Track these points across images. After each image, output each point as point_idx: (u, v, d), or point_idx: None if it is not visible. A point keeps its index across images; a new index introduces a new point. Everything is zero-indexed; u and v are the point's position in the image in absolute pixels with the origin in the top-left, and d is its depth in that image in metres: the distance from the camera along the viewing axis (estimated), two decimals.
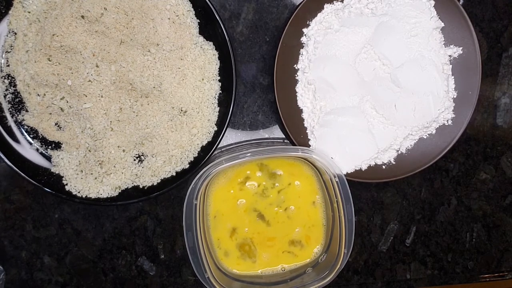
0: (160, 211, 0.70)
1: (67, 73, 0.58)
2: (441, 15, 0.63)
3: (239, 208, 0.65)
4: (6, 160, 0.60)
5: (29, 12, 0.59)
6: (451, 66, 0.65)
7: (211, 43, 0.62)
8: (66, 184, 0.62)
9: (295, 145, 0.65)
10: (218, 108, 0.64)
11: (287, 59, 0.64)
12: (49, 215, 0.68)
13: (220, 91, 0.64)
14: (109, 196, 0.62)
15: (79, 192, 0.62)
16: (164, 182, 0.63)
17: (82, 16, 0.57)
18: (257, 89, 0.69)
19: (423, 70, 0.63)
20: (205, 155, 0.63)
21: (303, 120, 0.65)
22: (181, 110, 0.62)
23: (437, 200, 0.74)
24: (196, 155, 0.64)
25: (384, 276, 0.75)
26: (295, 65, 0.65)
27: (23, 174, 0.60)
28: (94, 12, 0.57)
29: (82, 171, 0.62)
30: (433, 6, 0.63)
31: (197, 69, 0.62)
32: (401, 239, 0.74)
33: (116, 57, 0.59)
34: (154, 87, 0.60)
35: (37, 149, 0.63)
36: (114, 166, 0.62)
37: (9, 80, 0.61)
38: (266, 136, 0.70)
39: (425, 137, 0.67)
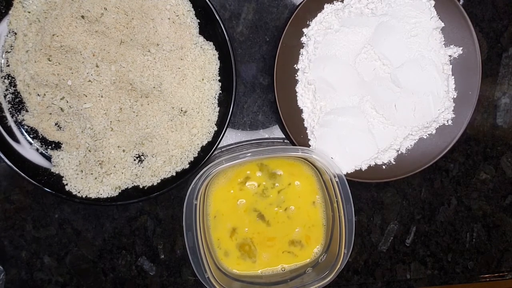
0: (160, 211, 0.70)
1: (67, 73, 0.58)
2: (441, 15, 0.63)
3: (239, 208, 0.65)
4: (6, 160, 0.60)
5: (29, 12, 0.59)
6: (451, 66, 0.65)
7: (211, 43, 0.62)
8: (66, 184, 0.62)
9: (295, 145, 0.65)
10: (218, 108, 0.64)
11: (287, 59, 0.64)
12: (49, 215, 0.68)
13: (220, 91, 0.64)
14: (109, 196, 0.62)
15: (79, 192, 0.62)
16: (164, 182, 0.63)
17: (82, 16, 0.57)
18: (257, 89, 0.69)
19: (423, 70, 0.63)
20: (205, 155, 0.63)
21: (303, 120, 0.65)
22: (181, 110, 0.62)
23: (437, 200, 0.74)
24: (196, 155, 0.64)
25: (384, 276, 0.75)
26: (295, 65, 0.65)
27: (23, 174, 0.60)
28: (94, 12, 0.57)
29: (82, 171, 0.62)
30: (433, 6, 0.63)
31: (197, 69, 0.62)
32: (401, 239, 0.74)
33: (116, 57, 0.59)
34: (154, 87, 0.60)
35: (37, 149, 0.63)
36: (114, 166, 0.62)
37: (9, 80, 0.61)
38: (266, 136, 0.70)
39: (425, 137, 0.67)
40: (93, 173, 0.61)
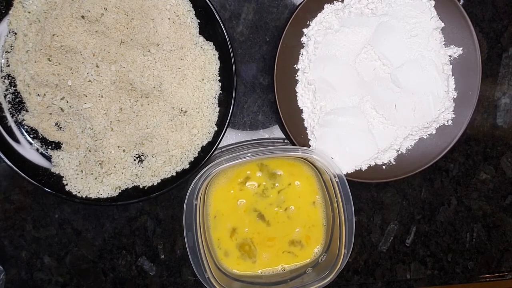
0: (160, 211, 0.70)
1: (67, 73, 0.58)
2: (441, 15, 0.63)
3: (239, 208, 0.65)
4: (6, 160, 0.60)
5: (29, 12, 0.59)
6: (451, 66, 0.65)
7: (211, 43, 0.62)
8: (66, 184, 0.62)
9: (295, 145, 0.65)
10: (218, 108, 0.64)
11: (287, 59, 0.64)
12: (49, 215, 0.68)
13: (220, 91, 0.64)
14: (109, 196, 0.62)
15: (79, 192, 0.62)
16: (164, 182, 0.63)
17: (82, 16, 0.57)
18: (257, 89, 0.69)
19: (423, 70, 0.63)
20: (205, 155, 0.63)
21: (303, 120, 0.65)
22: (181, 110, 0.62)
23: (437, 200, 0.74)
24: (196, 155, 0.64)
25: (384, 276, 0.75)
26: (295, 65, 0.65)
27: (23, 174, 0.60)
28: (94, 12, 0.57)
29: (82, 171, 0.62)
30: (433, 6, 0.63)
31: (197, 69, 0.62)
32: (401, 239, 0.74)
33: (116, 57, 0.59)
34: (154, 87, 0.60)
35: (37, 149, 0.63)
36: (114, 166, 0.62)
37: (9, 80, 0.61)
38: (266, 136, 0.70)
39: (425, 137, 0.67)
40: (93, 173, 0.61)
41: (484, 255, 0.76)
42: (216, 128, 0.64)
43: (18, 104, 0.62)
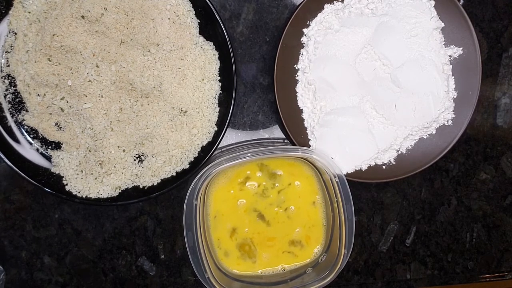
0: (160, 211, 0.70)
1: (67, 73, 0.58)
2: (441, 15, 0.63)
3: (239, 208, 0.65)
4: (6, 160, 0.60)
5: (29, 12, 0.59)
6: (451, 66, 0.65)
7: (211, 43, 0.62)
8: (66, 184, 0.62)
9: (295, 145, 0.65)
10: (218, 108, 0.64)
11: (287, 59, 0.64)
12: (49, 215, 0.68)
13: (220, 91, 0.64)
14: (109, 196, 0.62)
15: (79, 192, 0.62)
16: (164, 182, 0.63)
17: (82, 16, 0.57)
18: (257, 89, 0.69)
19: (423, 70, 0.63)
20: (205, 155, 0.63)
21: (303, 120, 0.65)
22: (181, 110, 0.62)
23: (437, 200, 0.74)
24: (196, 155, 0.64)
25: (384, 276, 0.75)
26: (295, 65, 0.65)
27: (23, 174, 0.60)
28: (94, 12, 0.57)
29: (82, 171, 0.62)
30: (433, 6, 0.63)
31: (197, 69, 0.62)
32: (401, 239, 0.74)
33: (116, 57, 0.59)
34: (154, 87, 0.60)
35: (37, 149, 0.63)
36: (114, 166, 0.62)
37: (9, 80, 0.61)
38: (266, 136, 0.70)
39: (425, 137, 0.67)
40: (93, 173, 0.61)
41: (484, 255, 0.76)
42: (216, 128, 0.64)
43: (18, 104, 0.62)
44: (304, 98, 0.65)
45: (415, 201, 0.74)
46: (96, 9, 0.57)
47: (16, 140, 0.62)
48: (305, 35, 0.64)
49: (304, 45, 0.64)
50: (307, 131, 0.65)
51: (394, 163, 0.66)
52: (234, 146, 0.69)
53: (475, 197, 0.75)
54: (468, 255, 0.76)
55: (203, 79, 0.63)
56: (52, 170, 0.62)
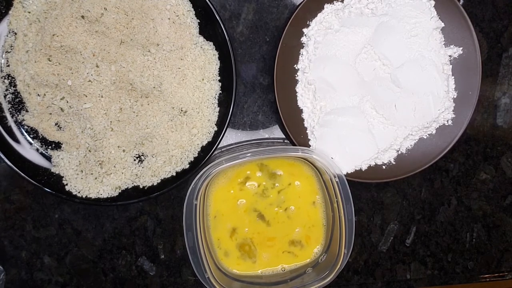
0: (160, 211, 0.70)
1: (67, 73, 0.58)
2: (441, 15, 0.63)
3: (239, 208, 0.65)
4: (6, 160, 0.60)
5: (29, 12, 0.59)
6: (451, 66, 0.65)
7: (211, 43, 0.62)
8: (66, 184, 0.62)
9: (295, 145, 0.65)
10: (218, 108, 0.64)
11: (287, 59, 0.64)
12: (49, 215, 0.68)
13: (220, 91, 0.64)
14: (109, 196, 0.62)
15: (79, 192, 0.62)
16: (164, 182, 0.63)
17: (82, 16, 0.57)
18: (257, 89, 0.69)
19: (423, 70, 0.63)
20: (205, 155, 0.63)
21: (303, 120, 0.65)
22: (181, 110, 0.62)
23: (437, 200, 0.74)
24: (196, 155, 0.64)
25: (384, 276, 0.75)
26: (295, 65, 0.65)
27: (23, 174, 0.60)
28: (94, 12, 0.57)
29: (82, 171, 0.62)
30: (433, 6, 0.63)
31: (197, 69, 0.62)
32: (401, 239, 0.74)
33: (116, 57, 0.59)
34: (154, 87, 0.60)
35: (37, 149, 0.63)
36: (114, 166, 0.62)
37: (9, 80, 0.61)
38: (266, 136, 0.70)
39: (425, 137, 0.67)
40: (93, 173, 0.61)
41: (484, 255, 0.76)
42: (216, 128, 0.64)
43: (18, 104, 0.62)
44: (304, 98, 0.65)
45: (415, 201, 0.74)
46: (96, 9, 0.57)
47: (16, 140, 0.62)
48: (305, 35, 0.64)
49: (304, 45, 0.64)
50: (307, 131, 0.65)
51: (394, 163, 0.66)
52: (234, 146, 0.69)
53: (475, 197, 0.75)
54: (468, 255, 0.76)
55: (203, 79, 0.63)
56: (52, 170, 0.62)
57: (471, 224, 0.76)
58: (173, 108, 0.62)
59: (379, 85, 0.63)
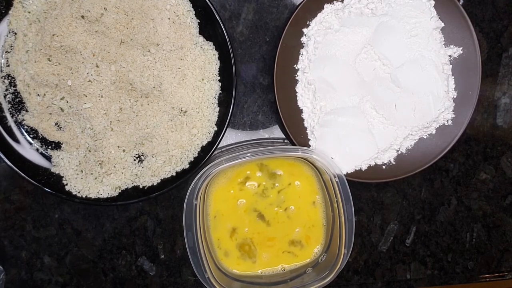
0: (160, 211, 0.70)
1: (67, 73, 0.58)
2: (441, 15, 0.63)
3: (239, 208, 0.65)
4: (6, 160, 0.60)
5: (29, 12, 0.59)
6: (451, 66, 0.65)
7: (211, 43, 0.62)
8: (66, 184, 0.62)
9: (295, 145, 0.65)
10: (218, 108, 0.64)
11: (287, 59, 0.64)
12: (49, 215, 0.68)
13: (220, 91, 0.64)
14: (109, 196, 0.62)
15: (79, 192, 0.62)
16: (164, 182, 0.63)
17: (82, 16, 0.57)
18: (257, 89, 0.69)
19: (423, 70, 0.63)
20: (205, 155, 0.63)
21: (303, 120, 0.65)
22: (181, 110, 0.62)
23: (437, 200, 0.74)
24: (196, 155, 0.64)
25: (384, 276, 0.75)
26: (295, 65, 0.65)
27: (23, 174, 0.60)
28: (94, 12, 0.57)
29: (82, 171, 0.62)
30: (433, 6, 0.63)
31: (197, 69, 0.62)
32: (401, 239, 0.74)
33: (116, 57, 0.59)
34: (154, 87, 0.60)
35: (37, 149, 0.63)
36: (114, 166, 0.62)
37: (9, 80, 0.61)
38: (266, 136, 0.70)
39: (425, 137, 0.67)
40: (93, 173, 0.61)
41: (484, 255, 0.76)
42: (216, 128, 0.64)
43: (18, 104, 0.62)
44: (304, 98, 0.65)
45: (415, 201, 0.74)
46: (96, 9, 0.57)
47: (16, 140, 0.62)
48: (305, 35, 0.64)
49: (304, 45, 0.64)
50: (307, 131, 0.65)
51: (394, 163, 0.66)
52: (234, 146, 0.69)
53: (475, 197, 0.75)
54: (468, 255, 0.76)
55: (203, 79, 0.63)
56: (52, 170, 0.62)
57: (471, 224, 0.76)
58: (173, 108, 0.62)
59: (379, 85, 0.63)
